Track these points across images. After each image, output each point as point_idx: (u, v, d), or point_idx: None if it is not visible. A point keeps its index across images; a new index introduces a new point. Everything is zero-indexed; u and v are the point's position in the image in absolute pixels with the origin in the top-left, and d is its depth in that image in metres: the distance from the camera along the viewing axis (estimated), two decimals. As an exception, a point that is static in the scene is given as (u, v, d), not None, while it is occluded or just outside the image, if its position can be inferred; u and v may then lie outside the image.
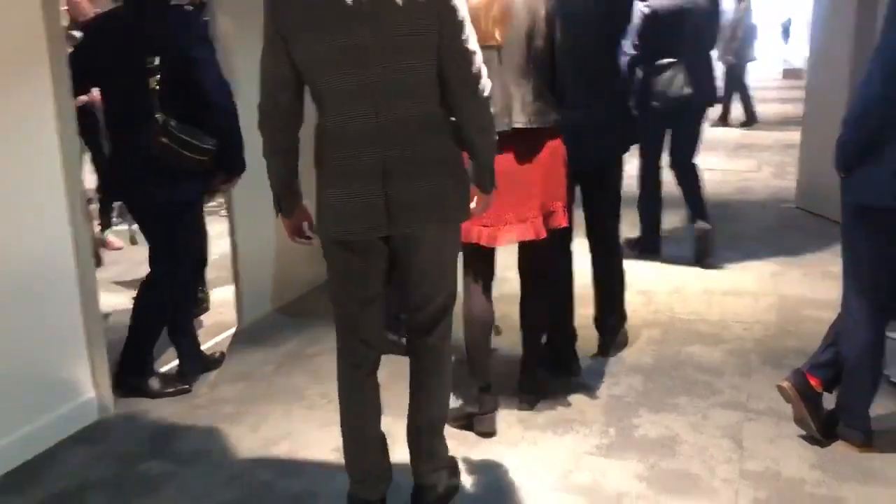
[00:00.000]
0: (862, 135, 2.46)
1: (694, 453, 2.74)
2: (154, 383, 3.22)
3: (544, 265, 2.99)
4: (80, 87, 3.03)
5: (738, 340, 3.68)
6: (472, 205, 2.27)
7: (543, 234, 2.76)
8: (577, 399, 3.14)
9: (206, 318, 4.12)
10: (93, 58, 3.01)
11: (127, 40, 2.95)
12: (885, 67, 2.36)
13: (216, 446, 2.88)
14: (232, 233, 3.90)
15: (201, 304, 4.16)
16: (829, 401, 2.78)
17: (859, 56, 5.59)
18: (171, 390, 3.23)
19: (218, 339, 3.88)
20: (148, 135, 2.88)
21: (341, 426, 2.34)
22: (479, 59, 2.10)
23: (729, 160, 8.32)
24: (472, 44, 2.08)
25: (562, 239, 3.12)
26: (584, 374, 3.34)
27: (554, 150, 2.77)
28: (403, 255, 2.20)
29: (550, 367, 3.28)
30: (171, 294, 3.23)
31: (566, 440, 2.85)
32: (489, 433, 2.87)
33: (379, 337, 2.32)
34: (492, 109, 2.17)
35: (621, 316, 3.61)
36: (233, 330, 3.96)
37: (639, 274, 4.48)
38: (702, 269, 4.68)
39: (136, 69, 2.87)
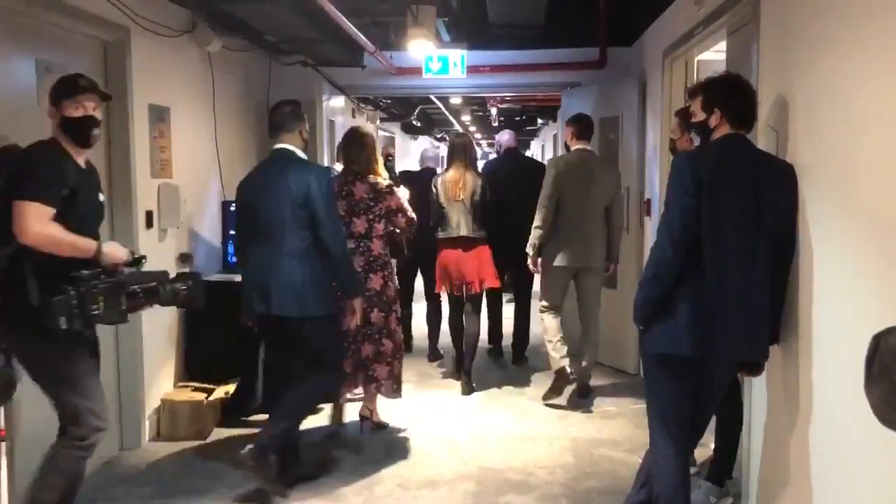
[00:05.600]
0: (657, 294, 2.81)
1: None
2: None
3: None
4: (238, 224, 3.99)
5: (545, 486, 3.86)
6: None
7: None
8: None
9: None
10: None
11: (282, 190, 3.70)
12: (671, 235, 2.76)
13: None
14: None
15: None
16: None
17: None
18: None
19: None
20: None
21: None
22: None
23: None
24: None
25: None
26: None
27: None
28: None
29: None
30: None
31: None
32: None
33: None
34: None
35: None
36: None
37: (443, 422, 4.57)
38: (500, 417, 4.92)
39: (286, 210, 3.69)
